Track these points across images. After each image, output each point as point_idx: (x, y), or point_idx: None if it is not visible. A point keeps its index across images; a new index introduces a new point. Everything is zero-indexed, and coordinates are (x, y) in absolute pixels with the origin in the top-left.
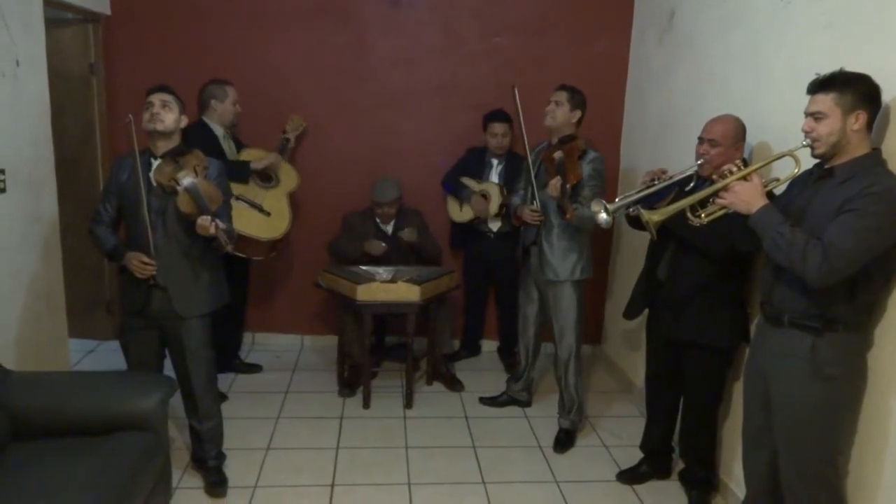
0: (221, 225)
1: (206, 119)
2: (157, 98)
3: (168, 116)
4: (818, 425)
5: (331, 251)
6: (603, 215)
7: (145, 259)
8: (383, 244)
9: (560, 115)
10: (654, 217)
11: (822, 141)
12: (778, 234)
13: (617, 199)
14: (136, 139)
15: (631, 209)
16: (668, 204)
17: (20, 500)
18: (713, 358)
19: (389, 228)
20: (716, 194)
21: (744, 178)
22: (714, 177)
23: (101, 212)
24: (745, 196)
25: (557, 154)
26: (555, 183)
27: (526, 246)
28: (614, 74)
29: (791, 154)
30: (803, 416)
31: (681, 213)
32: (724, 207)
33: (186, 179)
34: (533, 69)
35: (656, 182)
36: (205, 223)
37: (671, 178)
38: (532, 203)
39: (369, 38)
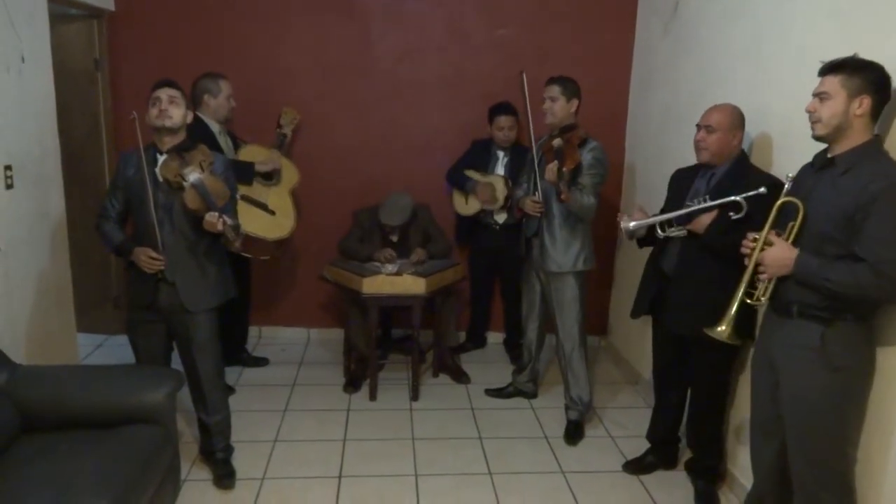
0: (229, 221)
1: (200, 115)
2: (164, 93)
3: (176, 112)
4: (827, 415)
5: (341, 250)
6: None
7: (153, 254)
8: (393, 253)
9: (558, 109)
10: (725, 330)
11: (823, 122)
12: (823, 279)
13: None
14: (141, 136)
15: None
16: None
17: (30, 492)
18: (721, 352)
19: (395, 237)
20: (755, 273)
21: (766, 244)
22: (745, 261)
23: (107, 207)
24: (778, 261)
25: (557, 141)
26: (552, 167)
27: (528, 237)
28: (619, 65)
29: (789, 200)
30: (813, 406)
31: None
32: (770, 278)
33: (193, 175)
34: (538, 61)
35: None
36: (212, 220)
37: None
38: (534, 194)
39: (374, 30)
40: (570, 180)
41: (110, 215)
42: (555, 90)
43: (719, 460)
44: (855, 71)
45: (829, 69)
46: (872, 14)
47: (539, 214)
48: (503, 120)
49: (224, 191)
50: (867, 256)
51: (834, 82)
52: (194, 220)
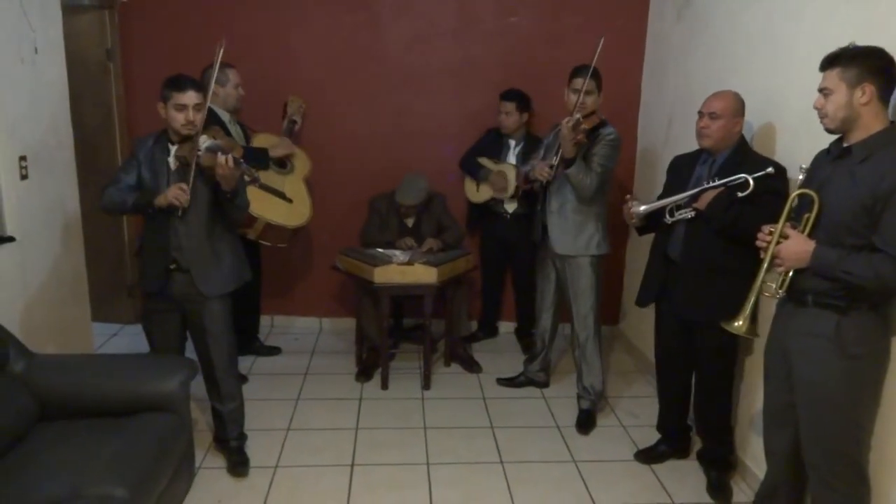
0: (242, 166)
1: (210, 104)
2: (190, 100)
3: (200, 118)
4: (843, 403)
5: (362, 240)
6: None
7: (181, 186)
8: (413, 241)
9: (592, 102)
10: (743, 325)
11: (830, 117)
12: (843, 272)
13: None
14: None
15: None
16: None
17: (48, 478)
18: (727, 336)
19: (410, 221)
20: (772, 264)
21: (782, 236)
22: (761, 254)
23: (119, 178)
24: (794, 254)
25: (577, 115)
26: (570, 120)
27: (545, 223)
28: (631, 52)
29: (803, 192)
30: (828, 394)
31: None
32: (787, 271)
33: (207, 143)
34: (549, 48)
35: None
36: (222, 160)
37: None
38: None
39: (383, 18)
40: (583, 138)
41: (120, 182)
42: (592, 84)
43: (730, 449)
44: (850, 61)
45: (827, 63)
46: None
47: (543, 179)
48: (504, 105)
49: (235, 145)
50: (886, 248)
51: (832, 76)
52: (208, 204)
